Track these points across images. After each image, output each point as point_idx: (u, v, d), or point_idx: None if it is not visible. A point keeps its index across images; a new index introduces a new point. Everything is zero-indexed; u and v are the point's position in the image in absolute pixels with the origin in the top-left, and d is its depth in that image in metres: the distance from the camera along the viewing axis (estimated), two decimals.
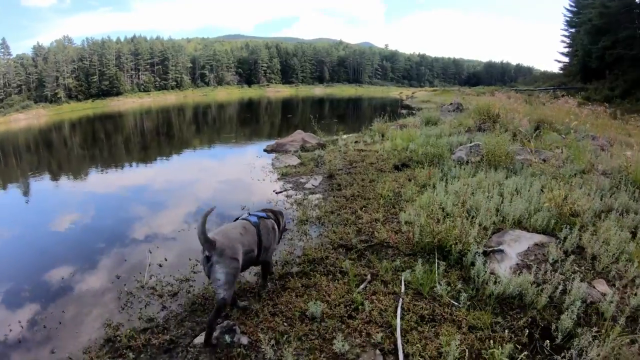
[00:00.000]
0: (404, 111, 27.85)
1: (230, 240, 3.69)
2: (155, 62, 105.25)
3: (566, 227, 5.41)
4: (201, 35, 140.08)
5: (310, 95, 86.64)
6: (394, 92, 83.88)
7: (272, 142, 15.83)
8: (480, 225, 5.54)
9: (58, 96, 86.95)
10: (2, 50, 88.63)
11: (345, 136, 15.43)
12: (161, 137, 27.39)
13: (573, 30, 54.80)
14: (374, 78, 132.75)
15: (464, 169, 9.11)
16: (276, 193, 9.34)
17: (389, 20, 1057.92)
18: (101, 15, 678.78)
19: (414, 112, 26.61)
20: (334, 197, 8.49)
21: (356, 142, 14.52)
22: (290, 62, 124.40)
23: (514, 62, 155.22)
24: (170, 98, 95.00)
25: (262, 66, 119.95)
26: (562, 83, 49.49)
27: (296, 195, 9.07)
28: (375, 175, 9.72)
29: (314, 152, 12.91)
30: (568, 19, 56.54)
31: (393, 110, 29.18)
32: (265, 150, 15.30)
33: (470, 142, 11.78)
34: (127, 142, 24.97)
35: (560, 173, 8.33)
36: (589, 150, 10.48)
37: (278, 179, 10.72)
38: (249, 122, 35.14)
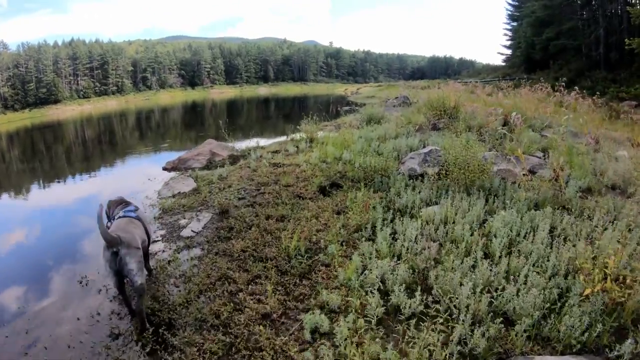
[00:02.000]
0: (346, 108, 24.87)
1: (131, 233, 3.94)
2: (94, 67, 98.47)
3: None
4: (144, 38, 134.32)
5: (255, 96, 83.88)
6: (339, 88, 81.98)
7: (175, 157, 12.32)
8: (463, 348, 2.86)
9: None
10: None
11: (268, 142, 12.13)
12: (89, 149, 23.80)
13: (515, 23, 55.93)
14: (319, 76, 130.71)
15: (419, 191, 6.11)
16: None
17: (334, 18, 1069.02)
18: (39, 19, 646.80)
19: (357, 108, 23.73)
20: (216, 254, 5.38)
21: (275, 152, 11.33)
22: (234, 62, 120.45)
23: (457, 57, 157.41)
24: (111, 104, 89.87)
25: (206, 67, 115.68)
26: (506, 74, 49.70)
27: (163, 252, 5.78)
28: (290, 207, 6.58)
29: (221, 170, 9.49)
30: (510, 12, 57.81)
31: (334, 107, 26.16)
32: (164, 169, 11.80)
33: (424, 146, 8.82)
34: (68, 152, 22.54)
35: (566, 196, 5.40)
36: (583, 154, 7.71)
37: (155, 218, 7.29)
38: (189, 126, 33.14)
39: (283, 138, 14.18)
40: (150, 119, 44.62)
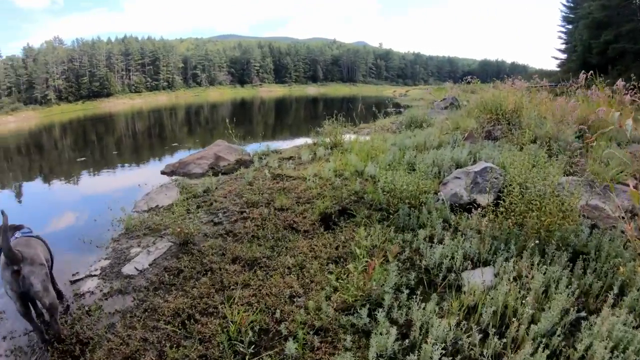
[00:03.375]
0: (390, 109, 22.65)
1: (34, 249, 3.54)
2: (146, 63, 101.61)
3: None
4: (195, 36, 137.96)
5: (304, 95, 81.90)
6: (388, 90, 79.35)
7: (176, 160, 10.65)
8: None
9: (48, 98, 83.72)
10: None
11: (286, 145, 10.24)
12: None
13: (570, 26, 50.81)
14: (368, 77, 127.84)
15: (463, 238, 3.98)
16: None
17: (384, 19, 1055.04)
18: (94, 16, 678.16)
19: (401, 110, 21.50)
20: (145, 311, 3.76)
21: (289, 158, 9.36)
22: (283, 61, 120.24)
23: (508, 61, 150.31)
24: (161, 98, 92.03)
25: (255, 66, 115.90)
26: (562, 79, 45.35)
27: (92, 295, 4.26)
28: (271, 245, 4.66)
29: (211, 180, 7.62)
30: (565, 14, 52.26)
31: (378, 108, 24.13)
32: (163, 172, 10.13)
33: (475, 161, 6.61)
34: (119, 143, 23.26)
35: None
36: None
37: (111, 240, 5.68)
38: (237, 123, 31.57)
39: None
40: (199, 115, 44.39)
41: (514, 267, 3.29)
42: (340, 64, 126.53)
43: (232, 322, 3.12)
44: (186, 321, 3.36)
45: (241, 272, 4.07)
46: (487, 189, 4.91)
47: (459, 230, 4.29)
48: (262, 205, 5.83)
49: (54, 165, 16.40)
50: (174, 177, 9.34)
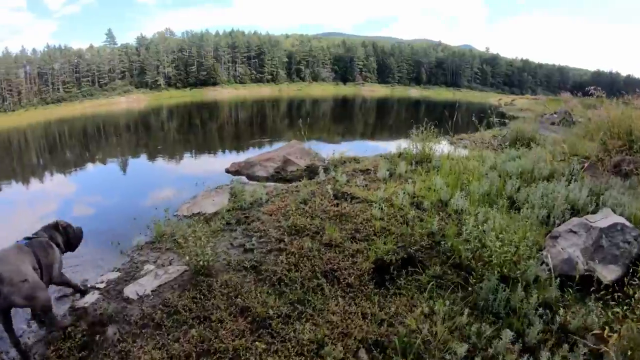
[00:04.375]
0: (494, 119, 20.55)
1: (13, 265, 3.27)
2: (251, 56, 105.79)
3: None
4: (300, 32, 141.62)
5: (406, 97, 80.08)
6: (493, 98, 74.11)
7: (243, 159, 9.94)
8: None
9: (158, 83, 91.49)
10: (109, 39, 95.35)
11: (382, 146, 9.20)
12: (241, 129, 26.33)
13: None
14: (473, 82, 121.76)
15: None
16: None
17: (491, 23, 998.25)
18: (203, 11, 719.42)
19: (506, 121, 19.47)
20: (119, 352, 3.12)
21: (365, 171, 8.01)
22: (386, 61, 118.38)
23: (624, 73, 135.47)
24: (265, 91, 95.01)
25: (358, 64, 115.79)
26: None
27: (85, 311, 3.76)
28: (297, 298, 3.59)
29: (263, 191, 6.65)
30: None
31: (481, 117, 22.20)
32: (227, 171, 9.46)
33: (596, 206, 5.02)
34: (221, 130, 25.26)
35: None
36: None
37: (135, 249, 5.13)
38: (337, 119, 32.32)
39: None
40: (301, 109, 44.84)
41: None
42: (444, 67, 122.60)
43: None
44: None
45: (241, 333, 3.10)
46: (613, 258, 3.41)
47: (569, 333, 2.86)
48: (307, 235, 4.74)
49: (136, 148, 17.28)
50: (236, 178, 8.60)
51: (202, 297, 3.63)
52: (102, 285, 4.14)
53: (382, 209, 5.30)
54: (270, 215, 5.57)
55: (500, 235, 3.68)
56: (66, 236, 4.01)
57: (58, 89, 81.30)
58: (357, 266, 3.98)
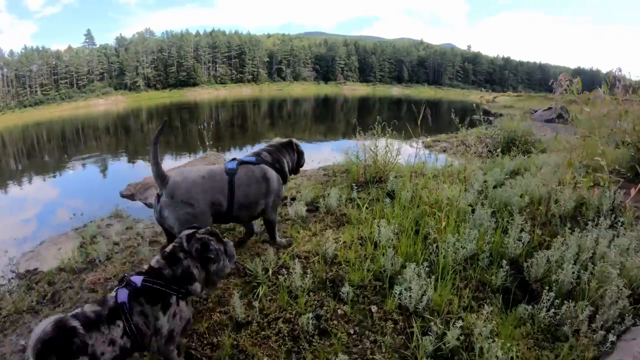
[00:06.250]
0: (477, 117, 18.43)
1: (186, 182, 2.97)
2: (232, 56, 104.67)
3: None
4: (282, 32, 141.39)
5: (388, 95, 79.06)
6: (475, 95, 73.02)
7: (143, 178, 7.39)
8: None
9: (137, 84, 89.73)
10: (87, 40, 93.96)
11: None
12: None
13: None
14: (455, 80, 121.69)
15: None
16: None
17: (472, 22, 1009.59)
18: (185, 11, 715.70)
19: (491, 118, 17.59)
20: None
21: (292, 199, 5.14)
22: (368, 60, 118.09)
23: (604, 70, 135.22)
24: (245, 91, 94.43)
25: (340, 63, 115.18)
26: None
27: None
28: None
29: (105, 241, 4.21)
30: None
31: (464, 115, 20.48)
32: (122, 196, 6.92)
33: None
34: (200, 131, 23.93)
35: None
36: None
37: None
38: (319, 119, 32.86)
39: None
40: (282, 109, 44.84)
41: None
42: (426, 65, 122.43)
43: None
44: None
45: None
46: None
47: None
48: None
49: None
50: (132, 204, 6.35)
51: None
52: None
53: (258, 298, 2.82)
54: (95, 285, 3.18)
55: None
56: None
57: (36, 91, 79.37)
58: None
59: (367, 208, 4.20)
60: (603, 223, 3.41)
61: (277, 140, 3.76)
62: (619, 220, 3.54)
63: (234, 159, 3.31)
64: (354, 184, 4.97)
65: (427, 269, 2.81)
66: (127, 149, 17.54)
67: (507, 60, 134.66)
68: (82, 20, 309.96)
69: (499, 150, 6.85)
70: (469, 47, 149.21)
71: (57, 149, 19.62)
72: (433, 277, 2.76)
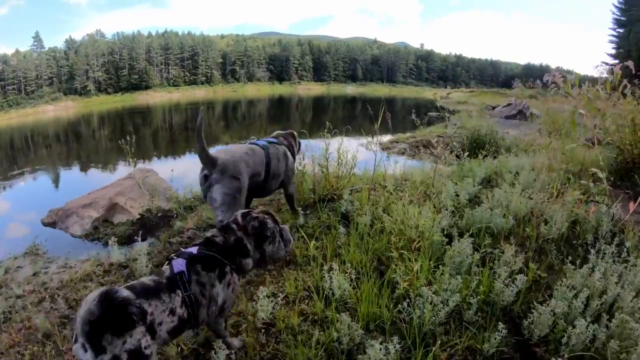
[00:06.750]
0: (434, 114, 18.12)
1: (234, 158, 3.28)
2: (185, 57, 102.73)
3: None
4: (236, 33, 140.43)
5: (342, 94, 79.64)
6: (428, 92, 74.71)
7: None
8: None
9: (87, 89, 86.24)
10: (36, 43, 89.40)
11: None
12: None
13: (622, 30, 47.24)
14: (409, 78, 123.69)
15: None
16: None
17: (425, 21, 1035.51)
18: (138, 12, 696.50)
19: (447, 115, 17.14)
20: None
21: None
22: (322, 59, 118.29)
23: (553, 65, 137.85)
24: (199, 93, 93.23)
25: (294, 63, 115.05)
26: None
27: None
28: None
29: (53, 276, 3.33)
30: (617, 17, 48.40)
31: (421, 112, 19.96)
32: (44, 224, 5.77)
33: None
34: (155, 136, 24.22)
35: None
36: None
37: None
38: (273, 119, 33.15)
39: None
40: (237, 110, 44.79)
41: None
42: (380, 64, 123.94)
43: None
44: None
45: None
46: None
47: None
48: None
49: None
50: (53, 233, 5.29)
51: None
52: None
53: None
54: None
55: None
56: None
57: None
58: None
59: (316, 240, 3.35)
60: (607, 250, 2.72)
61: (279, 132, 4.35)
62: (624, 245, 2.88)
63: (257, 140, 3.96)
64: (301, 207, 4.18)
65: (397, 339, 2.00)
66: (70, 159, 16.30)
67: (459, 58, 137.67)
68: (31, 23, 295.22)
69: (466, 153, 6.10)
70: (422, 45, 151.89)
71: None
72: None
